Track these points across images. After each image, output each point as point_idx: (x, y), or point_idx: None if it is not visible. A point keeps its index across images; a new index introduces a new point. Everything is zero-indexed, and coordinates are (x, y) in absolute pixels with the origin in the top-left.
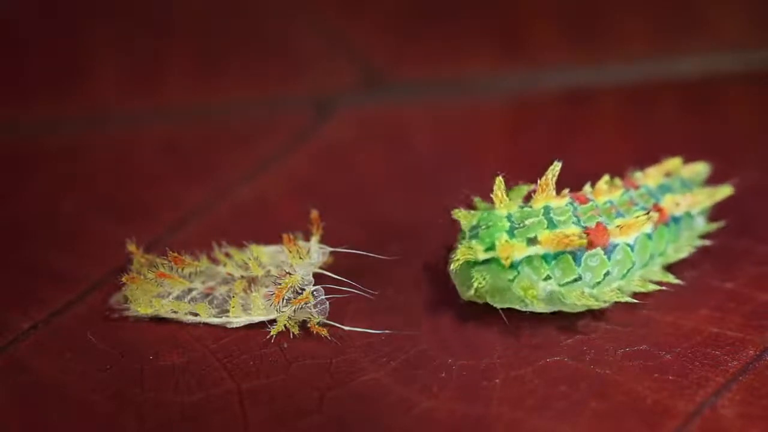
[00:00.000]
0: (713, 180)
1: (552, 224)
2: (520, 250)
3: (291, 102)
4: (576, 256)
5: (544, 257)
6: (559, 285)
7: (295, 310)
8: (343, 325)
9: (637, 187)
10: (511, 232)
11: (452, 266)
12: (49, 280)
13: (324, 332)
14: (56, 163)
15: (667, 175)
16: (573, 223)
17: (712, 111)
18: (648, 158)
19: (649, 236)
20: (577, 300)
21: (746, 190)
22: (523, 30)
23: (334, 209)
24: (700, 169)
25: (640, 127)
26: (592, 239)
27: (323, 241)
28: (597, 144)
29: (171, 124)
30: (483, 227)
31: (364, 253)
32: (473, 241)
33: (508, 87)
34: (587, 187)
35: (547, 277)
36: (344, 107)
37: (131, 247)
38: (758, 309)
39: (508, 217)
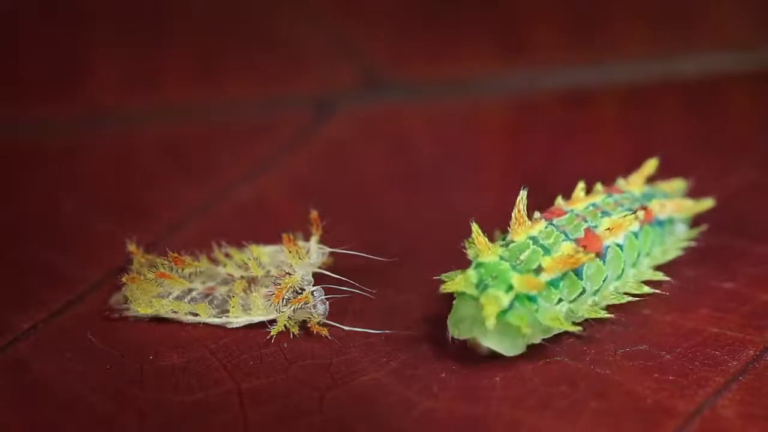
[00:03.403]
0: (714, 179)
1: (546, 250)
2: (537, 282)
3: (291, 102)
4: (577, 271)
5: (552, 283)
6: (569, 302)
7: (295, 310)
8: (343, 325)
9: (621, 193)
10: (516, 270)
11: (489, 323)
12: (49, 280)
13: (324, 332)
14: (56, 163)
15: (649, 181)
16: (563, 241)
17: (712, 111)
18: (647, 158)
19: (635, 235)
20: (586, 313)
21: (746, 189)
22: (523, 30)
23: (334, 209)
24: (679, 185)
25: (640, 127)
26: (590, 249)
27: (323, 241)
28: (597, 144)
29: (171, 124)
30: (488, 278)
31: (364, 254)
32: (490, 291)
33: (508, 87)
34: (559, 200)
35: (560, 300)
36: (344, 107)
37: (131, 247)
38: (758, 309)
39: (502, 259)
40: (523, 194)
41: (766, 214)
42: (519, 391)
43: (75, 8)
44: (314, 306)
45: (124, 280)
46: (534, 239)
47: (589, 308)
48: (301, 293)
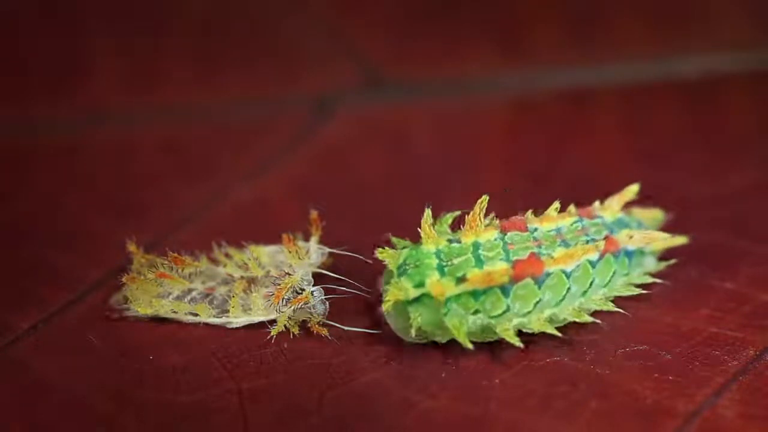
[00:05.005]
0: (713, 181)
1: (479, 261)
2: (449, 289)
3: (291, 102)
4: (504, 289)
5: (473, 293)
6: (489, 317)
7: (294, 310)
8: (343, 325)
9: (592, 217)
10: (440, 270)
11: (384, 307)
12: (49, 280)
13: (324, 332)
14: (56, 162)
15: (626, 207)
16: (501, 259)
17: (712, 111)
18: (647, 158)
19: (592, 264)
20: (506, 334)
21: (746, 189)
22: (523, 30)
23: (334, 209)
24: (656, 215)
25: (640, 127)
26: (518, 273)
27: (323, 241)
28: (597, 144)
29: (171, 124)
30: (411, 265)
31: (362, 257)
32: (402, 279)
33: (508, 87)
34: (529, 214)
35: (476, 311)
36: (344, 107)
37: (131, 247)
38: (758, 309)
39: (437, 254)
40: (484, 198)
41: (766, 214)
42: (519, 391)
43: (75, 8)
44: (314, 306)
45: (124, 280)
46: (476, 247)
47: (508, 328)
48: (301, 293)
